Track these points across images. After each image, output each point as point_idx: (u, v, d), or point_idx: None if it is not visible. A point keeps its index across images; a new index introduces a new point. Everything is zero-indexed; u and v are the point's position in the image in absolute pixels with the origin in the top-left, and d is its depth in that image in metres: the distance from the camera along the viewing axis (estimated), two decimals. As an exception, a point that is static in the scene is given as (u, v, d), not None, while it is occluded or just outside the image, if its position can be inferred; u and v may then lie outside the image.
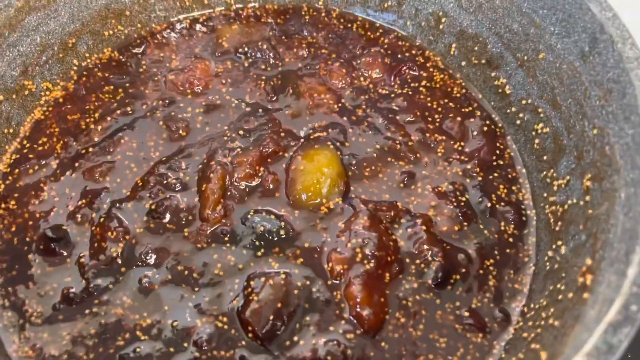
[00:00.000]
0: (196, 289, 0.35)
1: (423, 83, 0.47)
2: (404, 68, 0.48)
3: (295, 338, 0.34)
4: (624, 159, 0.30)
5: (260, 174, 0.41)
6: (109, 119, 0.43)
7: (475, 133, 0.44)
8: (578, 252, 0.32)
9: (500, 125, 0.44)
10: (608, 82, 0.33)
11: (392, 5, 0.48)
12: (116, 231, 0.38)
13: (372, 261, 0.37)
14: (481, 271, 0.37)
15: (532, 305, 0.35)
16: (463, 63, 0.47)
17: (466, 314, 0.36)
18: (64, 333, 0.35)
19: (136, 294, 0.35)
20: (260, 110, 0.44)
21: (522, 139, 0.42)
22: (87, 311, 0.35)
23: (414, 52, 0.48)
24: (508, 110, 0.44)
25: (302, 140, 0.43)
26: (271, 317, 0.34)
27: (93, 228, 0.38)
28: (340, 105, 0.45)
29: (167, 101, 0.44)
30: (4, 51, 0.39)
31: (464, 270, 0.38)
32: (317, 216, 0.39)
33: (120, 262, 0.36)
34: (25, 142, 0.42)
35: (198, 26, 0.49)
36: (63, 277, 0.37)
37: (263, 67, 0.47)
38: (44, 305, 0.36)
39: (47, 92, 0.44)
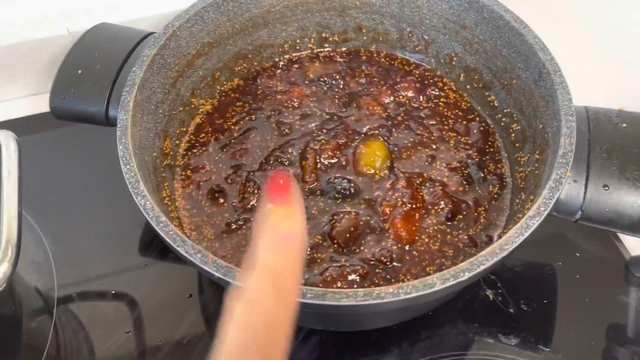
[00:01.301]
0: None
1: (441, 100, 0.64)
2: (429, 90, 0.64)
3: (362, 247, 0.51)
4: (552, 139, 0.51)
5: (337, 156, 0.58)
6: (241, 122, 0.61)
7: (475, 131, 0.61)
8: (529, 195, 0.52)
9: (491, 126, 0.61)
10: (547, 96, 0.50)
11: (421, 49, 0.66)
12: (252, 188, 0.55)
13: (408, 206, 0.54)
14: (476, 214, 0.54)
15: (504, 232, 0.55)
16: (468, 86, 0.63)
17: (465, 237, 0.53)
18: (227, 244, 0.52)
19: None
20: (335, 117, 0.62)
21: (504, 134, 0.59)
22: (239, 232, 0.53)
23: (436, 79, 0.65)
24: (496, 117, 0.60)
25: (362, 135, 0.60)
26: (347, 235, 0.51)
27: (238, 187, 0.56)
28: (386, 114, 0.62)
29: (277, 112, 0.62)
30: (184, 81, 0.59)
31: (465, 213, 0.54)
32: (373, 181, 0.56)
33: (256, 205, 0.55)
34: (192, 136, 0.61)
35: (293, 64, 0.68)
36: (224, 214, 0.54)
37: (336, 90, 0.65)
38: (214, 229, 0.53)
39: (202, 106, 0.63)
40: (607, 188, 0.46)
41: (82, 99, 0.53)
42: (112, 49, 0.55)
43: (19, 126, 0.75)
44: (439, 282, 0.40)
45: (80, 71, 0.53)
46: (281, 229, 0.30)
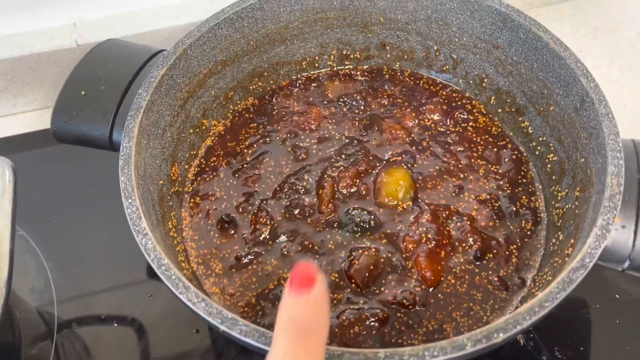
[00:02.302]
0: (317, 256, 0.50)
1: (470, 124, 0.59)
2: (457, 113, 0.60)
3: (382, 288, 0.48)
4: (597, 177, 0.46)
5: (356, 184, 0.54)
6: (255, 145, 0.58)
7: (506, 160, 0.57)
8: (568, 237, 0.48)
9: (525, 154, 0.57)
10: (590, 128, 0.46)
11: (449, 68, 0.62)
12: (265, 218, 0.52)
13: (433, 243, 0.50)
14: (507, 252, 0.50)
15: (540, 274, 0.51)
16: (499, 110, 0.59)
17: (495, 279, 0.49)
18: (237, 280, 0.49)
19: (279, 258, 0.50)
20: (355, 141, 0.58)
21: (539, 164, 0.55)
22: (249, 267, 0.50)
23: (464, 101, 0.61)
24: (530, 144, 0.56)
25: (384, 162, 0.56)
26: (366, 274, 0.48)
27: (250, 216, 0.53)
28: (410, 138, 0.58)
29: (293, 134, 0.59)
30: (195, 101, 0.56)
31: (495, 251, 0.50)
32: (395, 213, 0.53)
33: (268, 237, 0.51)
34: (202, 160, 0.58)
35: (311, 82, 0.64)
36: (233, 246, 0.51)
37: (356, 111, 0.61)
38: (223, 262, 0.51)
39: (214, 127, 0.59)
40: (659, 235, 0.41)
41: (85, 122, 0.50)
42: (118, 69, 0.51)
43: (27, 141, 0.72)
44: (470, 343, 0.36)
45: (83, 92, 0.50)
46: (301, 319, 0.29)
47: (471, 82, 0.61)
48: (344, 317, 0.48)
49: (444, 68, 0.63)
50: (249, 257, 0.52)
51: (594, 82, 0.48)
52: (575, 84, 0.49)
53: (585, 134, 0.48)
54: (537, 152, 0.57)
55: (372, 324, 0.47)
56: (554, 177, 0.54)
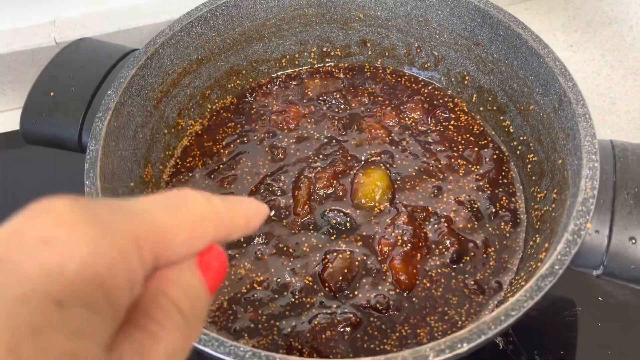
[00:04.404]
0: (291, 259, 0.49)
1: (452, 122, 0.58)
2: (438, 111, 0.59)
3: (356, 292, 0.47)
4: (572, 180, 0.45)
5: (333, 185, 0.54)
6: (232, 145, 0.57)
7: (487, 159, 0.55)
8: (544, 240, 0.46)
9: (506, 154, 0.56)
10: (567, 129, 0.45)
11: (431, 65, 0.61)
12: None
13: (409, 245, 0.49)
14: (485, 255, 0.50)
15: (517, 278, 0.50)
16: (481, 109, 0.58)
17: (472, 282, 0.48)
18: None
19: (253, 261, 0.49)
20: (334, 141, 0.57)
21: (520, 164, 0.54)
22: None
23: (446, 99, 0.60)
24: (511, 144, 0.55)
25: (362, 162, 0.55)
26: (340, 278, 0.48)
27: None
28: (390, 138, 0.57)
29: (271, 134, 0.58)
30: (169, 101, 0.55)
31: (472, 254, 0.49)
32: (371, 214, 0.52)
33: (242, 240, 0.50)
34: (178, 160, 0.57)
35: (290, 80, 0.63)
36: None
37: (336, 110, 0.60)
38: None
39: (191, 127, 0.59)
40: (634, 241, 0.40)
41: (54, 124, 0.49)
42: (88, 69, 0.50)
43: (9, 140, 0.72)
44: (433, 354, 0.35)
45: (52, 93, 0.49)
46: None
47: (453, 79, 0.60)
48: (316, 322, 0.47)
49: (426, 65, 0.62)
50: (222, 260, 0.51)
51: (572, 81, 0.47)
52: (554, 82, 0.48)
53: (563, 134, 0.47)
54: (518, 152, 0.55)
55: (344, 328, 0.47)
56: (534, 178, 0.53)
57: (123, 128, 0.50)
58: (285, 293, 0.49)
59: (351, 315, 0.47)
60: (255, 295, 0.49)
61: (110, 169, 0.47)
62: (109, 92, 0.48)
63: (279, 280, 0.49)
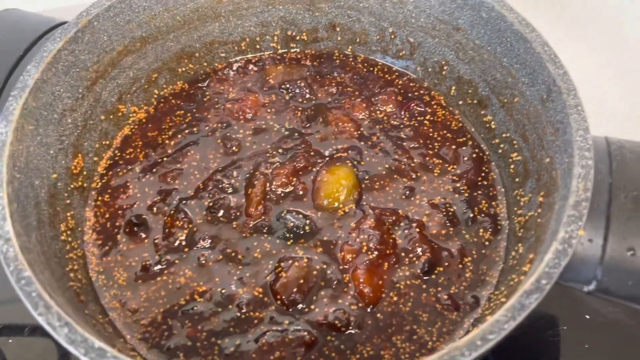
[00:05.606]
0: (240, 266, 0.43)
1: (427, 117, 0.53)
2: (413, 105, 0.53)
3: (312, 306, 0.41)
4: (562, 180, 0.39)
5: (293, 183, 0.48)
6: (179, 136, 0.51)
7: (465, 158, 0.50)
8: (528, 250, 0.40)
9: (487, 152, 0.50)
10: (557, 122, 0.39)
11: (406, 54, 0.55)
12: (182, 221, 0.45)
13: (375, 253, 0.44)
14: (460, 266, 0.44)
15: (496, 293, 0.44)
16: (460, 102, 0.53)
17: (445, 297, 0.42)
18: (142, 293, 0.42)
19: (195, 268, 0.43)
20: (296, 134, 0.51)
21: (502, 164, 0.48)
22: (158, 278, 0.43)
23: (422, 91, 0.54)
24: (493, 142, 0.49)
25: (327, 158, 0.49)
26: (295, 290, 0.42)
27: (165, 218, 0.46)
28: (359, 132, 0.51)
29: (225, 124, 0.52)
30: (107, 83, 0.48)
31: (446, 264, 0.44)
32: (334, 217, 0.46)
33: (184, 244, 0.44)
34: (117, 151, 0.50)
35: (251, 66, 0.56)
36: (142, 253, 0.44)
37: (300, 100, 0.54)
38: (128, 272, 0.44)
39: (134, 114, 0.52)
40: (632, 252, 0.34)
41: (-37, 103, 0.41)
42: (8, 42, 0.43)
43: None
44: (393, 386, 0.28)
45: (-37, 68, 0.42)
46: None
47: (430, 69, 0.55)
48: (263, 340, 0.41)
49: (401, 54, 0.56)
50: (159, 266, 0.45)
51: (563, 68, 0.41)
52: (542, 70, 0.42)
53: (551, 129, 0.41)
54: (500, 151, 0.50)
55: (296, 349, 0.40)
56: (517, 180, 0.47)
57: (45, 110, 0.43)
58: (230, 306, 0.42)
59: (305, 333, 0.41)
60: (196, 307, 0.42)
61: (24, 156, 0.39)
62: (28, 67, 0.41)
63: (223, 291, 0.43)
